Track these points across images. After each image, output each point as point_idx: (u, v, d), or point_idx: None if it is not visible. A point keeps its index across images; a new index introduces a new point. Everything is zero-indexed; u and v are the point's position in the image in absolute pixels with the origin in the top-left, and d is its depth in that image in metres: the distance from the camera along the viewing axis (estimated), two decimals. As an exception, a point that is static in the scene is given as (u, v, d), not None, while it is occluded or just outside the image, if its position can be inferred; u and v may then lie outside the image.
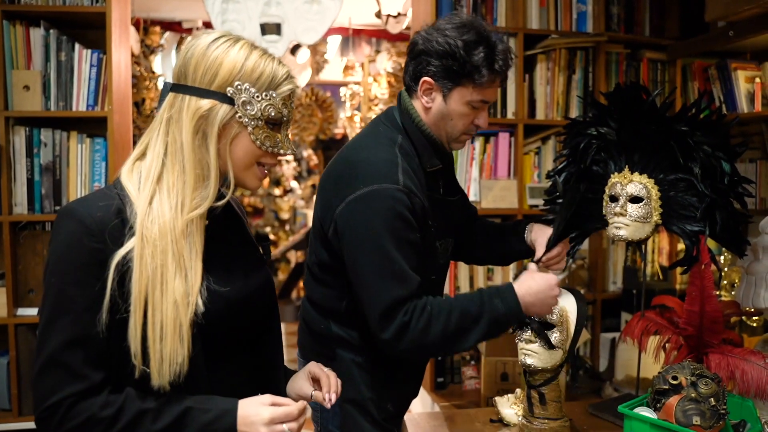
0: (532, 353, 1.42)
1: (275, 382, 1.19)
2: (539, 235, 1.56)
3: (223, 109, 1.03)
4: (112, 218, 0.98)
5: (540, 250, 1.51)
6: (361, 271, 1.35)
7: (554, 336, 1.41)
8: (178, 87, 1.04)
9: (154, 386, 0.96)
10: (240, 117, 1.04)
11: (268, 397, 1.02)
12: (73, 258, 0.96)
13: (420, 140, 1.48)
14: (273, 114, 1.06)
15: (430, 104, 1.46)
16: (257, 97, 1.04)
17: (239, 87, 1.03)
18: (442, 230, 1.53)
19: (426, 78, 1.43)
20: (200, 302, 0.99)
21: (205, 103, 1.02)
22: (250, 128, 1.05)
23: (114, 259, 0.95)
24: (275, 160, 1.10)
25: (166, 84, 1.08)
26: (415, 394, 1.67)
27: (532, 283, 1.37)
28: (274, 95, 1.06)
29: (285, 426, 0.99)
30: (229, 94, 1.03)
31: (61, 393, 0.93)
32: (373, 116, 5.75)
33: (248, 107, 1.04)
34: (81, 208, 0.98)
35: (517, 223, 1.68)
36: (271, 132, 1.07)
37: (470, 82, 1.41)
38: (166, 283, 0.96)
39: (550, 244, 1.49)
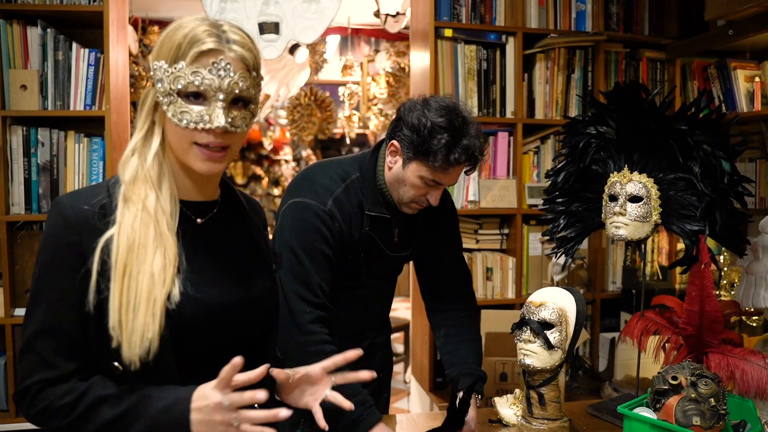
0: (531, 353, 1.41)
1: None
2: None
3: (152, 92, 1.01)
4: (93, 211, 0.98)
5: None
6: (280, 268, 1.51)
7: (553, 336, 1.40)
8: None
9: (125, 360, 0.94)
10: (158, 97, 1.00)
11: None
12: (52, 249, 0.98)
13: (371, 186, 1.59)
14: (182, 85, 0.97)
15: (392, 165, 1.56)
16: (166, 72, 0.97)
17: (155, 66, 0.99)
18: (374, 268, 1.64)
19: (394, 141, 1.53)
20: (176, 288, 0.98)
21: (147, 89, 1.03)
22: (164, 106, 0.99)
23: (99, 243, 0.95)
24: (210, 137, 0.99)
25: None
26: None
27: None
28: (182, 65, 0.97)
29: (225, 400, 0.94)
30: (152, 75, 1.00)
31: (31, 378, 0.96)
32: (372, 116, 5.74)
33: (159, 85, 0.99)
34: (67, 201, 1.00)
35: (456, 377, 1.66)
36: (189, 106, 0.98)
37: (425, 161, 1.48)
38: (145, 255, 0.96)
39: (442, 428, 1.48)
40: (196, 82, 0.96)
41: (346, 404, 1.12)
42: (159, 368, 0.97)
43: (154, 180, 1.01)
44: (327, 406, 1.43)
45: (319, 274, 1.50)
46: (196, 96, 0.98)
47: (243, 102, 1.01)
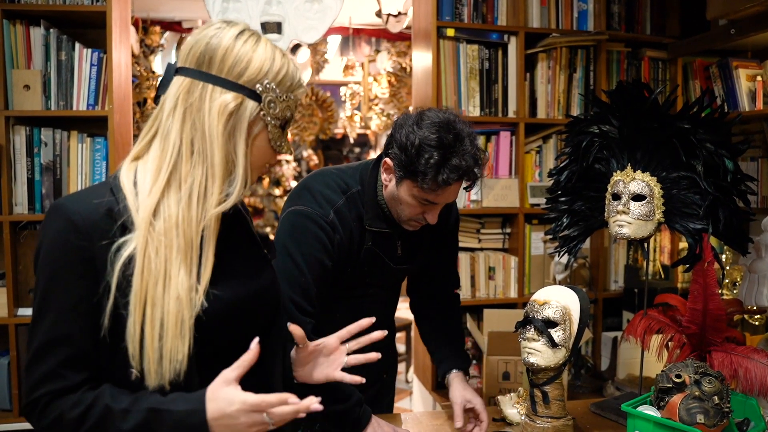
0: (536, 351, 1.41)
1: (270, 386, 1.13)
2: (456, 395, 1.58)
3: (251, 106, 1.01)
4: (101, 215, 0.94)
5: (457, 412, 1.54)
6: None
7: (557, 334, 1.41)
8: (200, 74, 0.99)
9: (151, 387, 0.92)
10: (264, 115, 1.02)
11: (234, 389, 0.95)
12: (59, 256, 0.93)
13: (371, 201, 1.54)
14: (288, 115, 1.06)
15: (387, 182, 1.51)
16: (280, 97, 1.03)
17: (268, 86, 1.02)
18: (378, 280, 1.62)
19: (387, 159, 1.48)
20: (204, 301, 0.96)
21: (232, 97, 0.99)
22: (269, 127, 1.03)
23: (119, 259, 0.92)
24: (276, 160, 1.10)
25: (171, 66, 1.03)
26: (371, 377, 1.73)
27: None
28: (292, 97, 1.05)
29: (265, 416, 0.93)
30: (258, 91, 1.01)
31: (40, 390, 0.93)
32: (374, 116, 5.74)
33: (272, 106, 1.03)
34: (70, 204, 0.95)
35: (442, 360, 1.70)
36: (282, 132, 1.06)
37: (415, 181, 1.41)
38: (169, 279, 0.93)
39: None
40: (294, 115, 1.08)
41: (357, 379, 1.16)
42: (185, 381, 0.95)
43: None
44: (330, 411, 1.44)
45: (316, 284, 1.46)
46: (285, 125, 1.07)
47: None
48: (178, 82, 1.00)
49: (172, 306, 0.93)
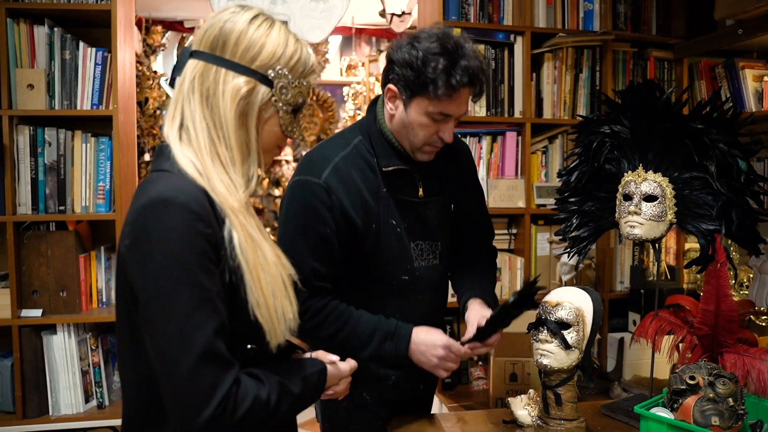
0: (548, 353, 1.40)
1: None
2: (472, 315, 1.55)
3: (263, 91, 1.03)
4: (206, 201, 0.96)
5: (470, 330, 1.49)
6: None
7: (570, 336, 1.39)
8: (214, 58, 1.01)
9: (272, 346, 0.99)
10: (276, 101, 1.04)
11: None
12: (194, 246, 0.91)
13: (379, 142, 1.49)
14: (300, 101, 1.07)
15: (393, 111, 1.46)
16: (292, 83, 1.05)
17: (280, 71, 1.03)
18: (415, 232, 1.54)
19: (390, 85, 1.44)
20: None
21: (244, 82, 1.00)
22: (281, 113, 1.06)
23: (233, 242, 0.96)
24: (285, 143, 1.13)
25: (186, 49, 1.05)
26: (405, 391, 1.65)
27: (426, 338, 1.48)
28: (305, 83, 1.07)
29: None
30: (270, 77, 1.03)
31: (225, 384, 0.90)
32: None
33: (284, 92, 1.04)
34: (179, 195, 0.93)
35: (465, 292, 1.65)
36: (293, 118, 1.08)
37: (427, 94, 1.38)
38: (262, 250, 0.99)
39: (477, 337, 1.47)
40: (306, 101, 1.09)
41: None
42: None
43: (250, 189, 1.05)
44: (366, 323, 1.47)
45: (314, 255, 1.42)
46: (297, 110, 1.09)
47: None
48: (193, 65, 1.02)
49: (274, 271, 1.00)
